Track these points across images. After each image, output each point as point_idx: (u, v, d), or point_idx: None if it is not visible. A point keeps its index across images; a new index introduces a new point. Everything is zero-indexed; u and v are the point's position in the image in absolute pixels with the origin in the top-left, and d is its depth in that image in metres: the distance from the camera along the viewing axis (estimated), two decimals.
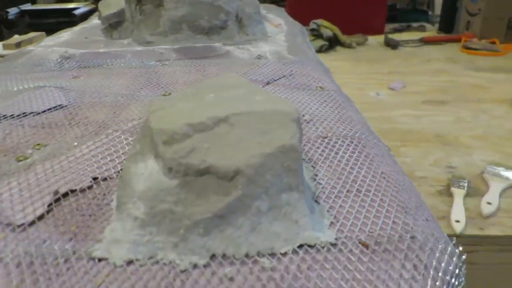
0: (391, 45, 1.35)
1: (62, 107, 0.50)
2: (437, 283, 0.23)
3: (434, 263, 0.25)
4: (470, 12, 1.42)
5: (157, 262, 0.26)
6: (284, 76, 0.63)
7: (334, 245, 0.26)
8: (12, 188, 0.32)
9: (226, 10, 0.77)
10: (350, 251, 0.26)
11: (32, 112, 0.48)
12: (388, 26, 2.18)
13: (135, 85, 0.59)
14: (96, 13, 1.04)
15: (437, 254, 0.25)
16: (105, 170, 0.35)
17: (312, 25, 1.41)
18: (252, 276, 0.24)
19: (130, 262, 0.26)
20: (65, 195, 0.32)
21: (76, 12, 1.98)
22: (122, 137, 0.41)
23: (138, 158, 0.30)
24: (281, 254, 0.26)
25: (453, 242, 0.27)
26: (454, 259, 0.25)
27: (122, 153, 0.38)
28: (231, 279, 0.24)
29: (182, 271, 0.25)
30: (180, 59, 0.71)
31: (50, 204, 0.31)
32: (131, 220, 0.27)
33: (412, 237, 0.27)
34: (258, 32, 0.82)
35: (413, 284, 0.23)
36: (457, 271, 0.25)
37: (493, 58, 1.22)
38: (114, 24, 0.84)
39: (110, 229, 0.28)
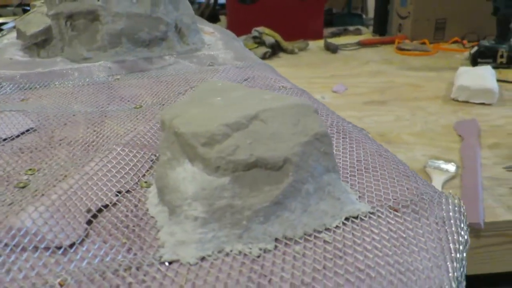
0: (331, 49, 1.40)
1: (33, 129, 0.48)
2: (453, 228, 0.29)
3: (446, 214, 0.31)
4: (400, 15, 1.50)
5: (227, 255, 0.28)
6: (246, 79, 0.64)
7: (372, 213, 0.30)
8: (43, 213, 0.30)
9: (165, 21, 0.76)
10: (387, 216, 0.30)
11: (6, 139, 0.46)
12: (327, 31, 2.25)
13: (98, 101, 0.57)
14: (7, 32, 0.99)
15: (444, 206, 0.31)
16: (125, 184, 0.35)
17: (254, 33, 1.42)
18: (320, 250, 0.27)
19: (202, 259, 0.27)
20: (99, 211, 0.32)
21: (4, 27, 1.86)
22: (126, 150, 0.40)
23: (173, 164, 0.32)
24: (334, 228, 0.29)
25: (451, 194, 0.33)
26: (456, 208, 0.31)
27: (133, 165, 0.38)
28: (304, 255, 0.27)
29: (257, 257, 0.27)
30: (132, 72, 0.70)
31: (88, 222, 0.30)
32: (190, 221, 0.29)
33: (422, 197, 0.32)
34: (198, 42, 0.82)
35: (441, 233, 0.29)
36: (462, 217, 0.30)
37: (424, 58, 1.30)
38: (40, 43, 0.80)
39: (167, 233, 0.29)
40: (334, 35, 2.46)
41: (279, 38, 1.41)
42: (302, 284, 0.25)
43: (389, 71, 1.20)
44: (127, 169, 0.38)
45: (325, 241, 0.28)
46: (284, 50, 1.41)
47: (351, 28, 2.61)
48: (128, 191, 0.35)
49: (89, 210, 0.32)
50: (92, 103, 0.57)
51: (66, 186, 0.34)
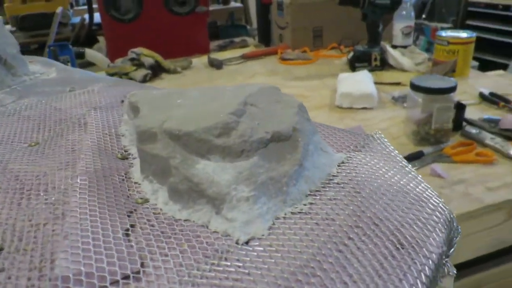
0: (215, 65, 1.35)
1: None
2: (391, 149, 0.43)
3: (382, 146, 0.43)
4: (279, 25, 1.51)
5: (284, 218, 0.32)
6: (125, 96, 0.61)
7: (349, 157, 0.40)
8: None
9: None
10: (358, 155, 0.41)
11: None
12: (213, 44, 2.21)
13: None
14: None
15: (379, 141, 0.44)
16: (129, 196, 0.36)
17: (131, 55, 1.31)
18: (345, 190, 0.34)
19: (269, 229, 0.31)
20: (133, 227, 0.32)
21: None
22: (81, 179, 0.38)
23: (190, 163, 0.33)
24: (336, 173, 0.37)
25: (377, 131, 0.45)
26: (382, 139, 0.44)
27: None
28: (337, 199, 0.33)
29: (307, 212, 0.32)
30: None
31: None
32: (243, 202, 0.31)
33: (366, 141, 0.44)
34: (28, 72, 0.71)
35: (386, 153, 0.42)
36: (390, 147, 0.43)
37: (307, 66, 1.31)
38: None
39: (228, 219, 0.31)
40: (221, 47, 2.44)
41: (159, 58, 1.32)
42: (351, 214, 0.32)
43: (275, 83, 1.18)
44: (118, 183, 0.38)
45: (338, 183, 0.35)
46: (166, 71, 1.33)
47: (237, 39, 2.62)
48: (147, 200, 0.35)
49: (127, 230, 0.32)
50: None
51: (83, 212, 0.33)
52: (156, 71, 1.30)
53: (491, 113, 0.89)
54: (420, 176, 0.37)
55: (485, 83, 1.06)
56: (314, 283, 0.26)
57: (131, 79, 1.26)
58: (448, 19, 3.23)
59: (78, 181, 0.37)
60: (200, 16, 2.23)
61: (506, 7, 2.75)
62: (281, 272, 0.27)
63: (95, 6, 2.42)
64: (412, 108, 0.81)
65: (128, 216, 0.33)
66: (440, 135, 0.76)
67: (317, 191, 0.34)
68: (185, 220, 0.32)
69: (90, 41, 2.71)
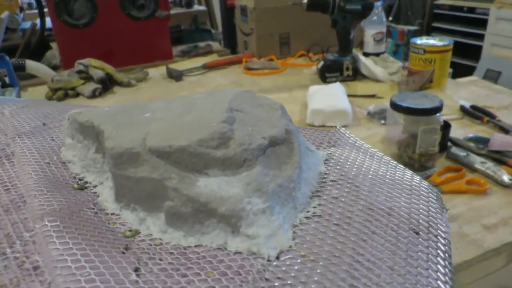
0: (175, 76, 1.23)
1: None
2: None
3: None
4: (244, 32, 1.40)
5: (300, 224, 0.32)
6: (44, 124, 0.55)
7: (330, 153, 0.43)
8: None
9: None
10: (332, 150, 0.45)
11: None
12: (176, 49, 2.10)
13: None
14: None
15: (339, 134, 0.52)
16: (113, 231, 0.32)
17: (78, 67, 1.17)
18: (344, 187, 0.36)
19: (295, 227, 0.31)
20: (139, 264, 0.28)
21: None
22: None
23: (188, 182, 0.30)
24: (326, 171, 0.39)
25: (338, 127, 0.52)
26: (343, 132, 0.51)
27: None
28: (342, 196, 0.35)
29: (319, 215, 0.33)
30: None
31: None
32: (261, 215, 0.29)
33: (335, 137, 0.51)
34: None
35: (353, 142, 0.49)
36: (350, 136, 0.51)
37: (274, 77, 1.22)
38: None
39: (249, 236, 0.29)
40: (185, 53, 2.31)
41: (110, 70, 1.18)
42: (363, 209, 0.33)
43: None
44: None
45: (334, 181, 0.37)
46: (119, 84, 1.19)
47: (201, 44, 2.50)
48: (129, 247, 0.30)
49: (137, 269, 0.28)
50: None
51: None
52: (107, 84, 1.17)
53: (475, 130, 0.81)
54: (396, 163, 0.41)
55: (464, 95, 0.99)
56: (361, 279, 0.26)
57: (78, 94, 1.13)
58: (415, 21, 3.22)
59: (47, 223, 0.30)
60: (161, 20, 2.09)
61: (471, 9, 2.75)
62: (325, 277, 0.26)
63: (47, 10, 2.25)
64: (392, 127, 0.72)
65: (123, 252, 0.29)
66: (425, 160, 0.67)
67: (317, 191, 0.35)
68: (195, 246, 0.29)
69: (43, 48, 2.52)
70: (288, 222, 0.31)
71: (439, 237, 0.31)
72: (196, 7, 3.09)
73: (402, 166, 0.41)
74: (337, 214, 0.32)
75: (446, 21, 2.94)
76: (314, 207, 0.33)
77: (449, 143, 0.74)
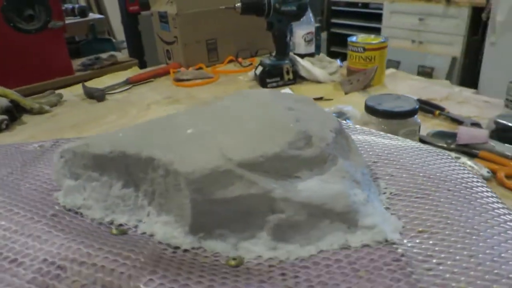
0: (96, 96, 1.07)
1: None
2: None
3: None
4: (165, 40, 1.29)
5: (388, 198, 0.34)
6: None
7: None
8: None
9: None
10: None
11: None
12: (76, 63, 1.90)
13: None
14: None
15: None
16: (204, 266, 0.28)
17: None
18: (389, 165, 0.40)
19: (387, 208, 0.33)
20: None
21: None
22: None
23: (291, 188, 0.29)
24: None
25: None
26: None
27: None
28: (395, 174, 0.38)
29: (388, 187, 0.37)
30: None
31: None
32: (366, 204, 0.29)
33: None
34: None
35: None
36: None
37: (210, 87, 1.13)
38: None
39: (369, 226, 0.28)
40: (87, 66, 2.10)
41: (15, 96, 0.99)
42: (417, 175, 0.37)
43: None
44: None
45: (374, 162, 0.39)
46: (29, 111, 1.01)
47: (103, 55, 2.31)
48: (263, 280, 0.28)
49: None
50: None
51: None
52: (14, 114, 0.97)
53: (431, 124, 0.83)
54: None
55: (404, 89, 1.02)
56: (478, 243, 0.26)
57: None
58: (315, 19, 3.36)
59: (154, 278, 0.25)
60: (55, 32, 1.86)
61: (365, 5, 2.94)
62: (454, 247, 0.26)
63: None
64: None
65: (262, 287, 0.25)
66: None
67: (373, 173, 0.36)
68: (320, 252, 0.27)
69: None
70: (381, 205, 0.31)
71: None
72: (92, 16, 2.83)
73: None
74: (409, 189, 0.32)
75: (344, 16, 3.10)
76: (385, 188, 0.33)
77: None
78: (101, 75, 1.28)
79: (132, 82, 1.17)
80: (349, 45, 1.04)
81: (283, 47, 1.07)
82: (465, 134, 0.70)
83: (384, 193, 0.33)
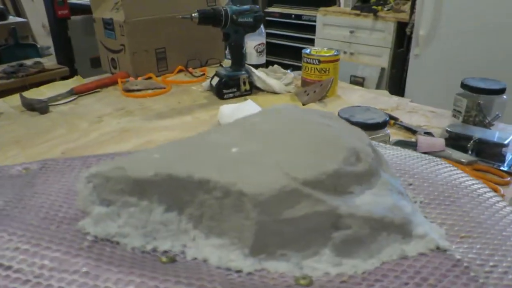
0: (38, 108, 0.98)
1: None
2: None
3: None
4: (110, 48, 1.22)
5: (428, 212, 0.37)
6: None
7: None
8: None
9: None
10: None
11: None
12: None
13: None
14: None
15: None
16: None
17: None
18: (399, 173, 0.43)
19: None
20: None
21: None
22: None
23: (351, 203, 0.29)
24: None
25: None
26: None
27: None
28: (412, 182, 0.41)
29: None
30: None
31: None
32: (415, 214, 0.31)
33: None
34: None
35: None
36: None
37: (163, 98, 1.09)
38: None
39: (421, 235, 0.30)
40: (9, 74, 1.93)
41: None
42: (429, 181, 0.39)
43: (135, 126, 0.92)
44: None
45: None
46: None
47: (28, 62, 2.15)
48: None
49: None
50: None
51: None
52: None
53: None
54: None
55: (357, 100, 1.07)
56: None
57: None
58: None
59: None
60: None
61: (298, 16, 3.04)
62: (496, 249, 0.28)
63: None
64: None
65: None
66: None
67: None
68: (382, 264, 0.28)
69: None
70: (421, 214, 0.32)
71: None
72: (12, 19, 2.60)
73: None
74: (436, 197, 0.33)
75: (278, 27, 3.18)
76: (413, 197, 0.34)
77: None
78: (27, 84, 1.18)
79: (77, 93, 1.10)
80: (303, 57, 1.07)
81: (239, 58, 1.07)
82: (424, 142, 0.75)
83: (415, 202, 0.34)
